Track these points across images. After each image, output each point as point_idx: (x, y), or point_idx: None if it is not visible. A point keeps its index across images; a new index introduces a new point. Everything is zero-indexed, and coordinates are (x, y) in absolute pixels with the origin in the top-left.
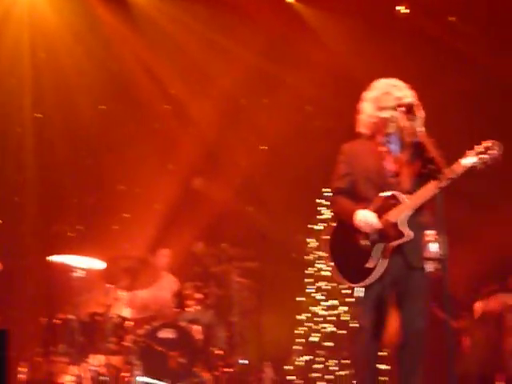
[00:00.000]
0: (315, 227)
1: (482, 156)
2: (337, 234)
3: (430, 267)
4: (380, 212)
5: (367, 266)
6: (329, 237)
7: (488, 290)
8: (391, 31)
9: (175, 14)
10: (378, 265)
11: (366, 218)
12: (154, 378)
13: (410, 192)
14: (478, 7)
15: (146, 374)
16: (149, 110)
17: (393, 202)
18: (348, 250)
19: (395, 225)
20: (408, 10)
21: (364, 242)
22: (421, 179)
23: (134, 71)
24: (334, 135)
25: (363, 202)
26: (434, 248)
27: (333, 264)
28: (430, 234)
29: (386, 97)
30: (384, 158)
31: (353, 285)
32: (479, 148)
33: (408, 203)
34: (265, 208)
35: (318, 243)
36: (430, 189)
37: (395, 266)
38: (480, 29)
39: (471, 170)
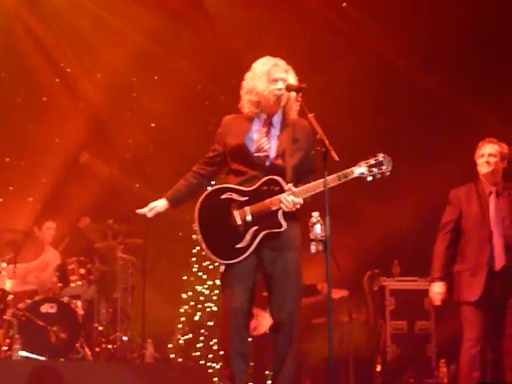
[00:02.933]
0: None
1: (373, 169)
2: (208, 208)
3: (313, 248)
4: (259, 194)
5: (238, 246)
6: (199, 206)
7: (371, 273)
8: (283, 14)
9: None
10: (248, 247)
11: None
12: (34, 353)
13: (292, 176)
14: None
15: (27, 348)
16: (37, 83)
17: (276, 189)
18: (218, 225)
19: (275, 213)
20: None
21: (238, 223)
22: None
23: (23, 43)
24: (220, 114)
25: (234, 174)
26: (317, 229)
27: (201, 237)
28: (314, 215)
29: (275, 68)
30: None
31: (219, 260)
32: (372, 161)
33: (295, 193)
34: (152, 185)
35: None
36: (318, 185)
37: (263, 249)
38: (372, 15)
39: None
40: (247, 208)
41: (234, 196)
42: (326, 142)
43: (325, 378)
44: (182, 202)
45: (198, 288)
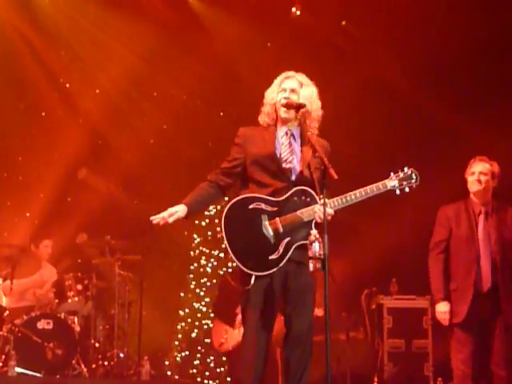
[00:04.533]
0: (202, 223)
1: (403, 182)
2: (236, 217)
3: (311, 266)
4: (289, 204)
5: (271, 257)
6: (225, 216)
7: (369, 291)
8: (283, 32)
9: (68, 1)
10: (281, 258)
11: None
12: (30, 369)
13: (318, 188)
14: (370, 12)
15: (22, 364)
16: (36, 98)
17: (307, 200)
18: (248, 235)
19: (307, 225)
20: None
21: (270, 234)
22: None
23: (22, 58)
24: (219, 130)
25: (256, 185)
26: (315, 247)
27: (229, 247)
28: (312, 233)
29: (288, 79)
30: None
31: (251, 272)
32: (401, 174)
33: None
34: (150, 201)
35: (202, 239)
36: (351, 197)
37: (289, 262)
38: (371, 33)
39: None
40: (278, 219)
41: (263, 206)
42: (325, 160)
43: None
44: (197, 211)
45: (196, 305)
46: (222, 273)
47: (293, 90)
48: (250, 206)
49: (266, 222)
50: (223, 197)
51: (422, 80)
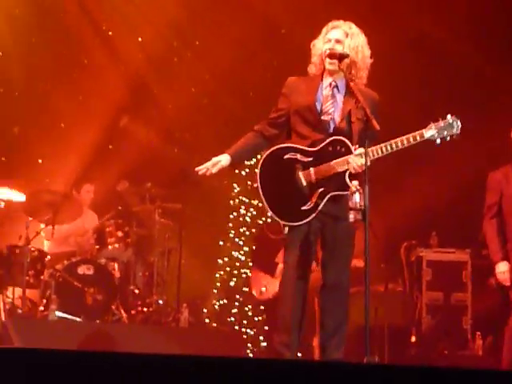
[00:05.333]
0: (242, 173)
1: (443, 132)
2: (271, 167)
3: (351, 217)
4: (324, 155)
5: (303, 208)
6: (261, 165)
7: (408, 243)
8: None
9: None
10: (313, 209)
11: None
12: (70, 314)
13: (357, 140)
14: None
15: (63, 309)
16: (79, 45)
17: (342, 150)
18: (282, 185)
19: (341, 175)
20: None
21: (304, 184)
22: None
23: (67, 4)
24: (261, 80)
25: (297, 136)
26: (356, 198)
27: (263, 196)
28: (353, 184)
29: (333, 30)
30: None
31: (283, 222)
32: (441, 123)
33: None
34: (191, 150)
35: (241, 188)
36: (387, 147)
37: (324, 214)
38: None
39: (428, 140)
40: (312, 169)
41: (298, 156)
42: (368, 110)
43: (360, 346)
44: (241, 161)
45: (235, 254)
46: (261, 222)
47: (338, 41)
48: (285, 157)
49: (300, 173)
50: (269, 147)
51: (467, 33)
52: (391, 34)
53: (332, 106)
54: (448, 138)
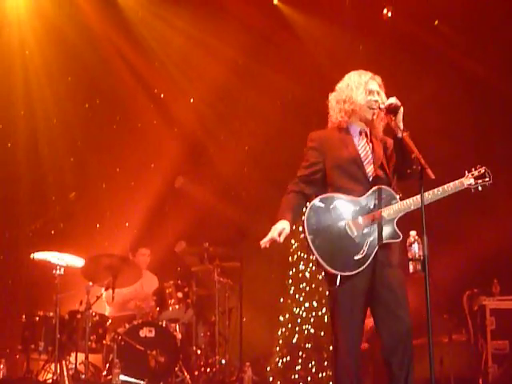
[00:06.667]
0: (300, 228)
1: (478, 181)
2: (318, 217)
3: (410, 268)
4: (369, 204)
5: (356, 258)
6: (307, 217)
7: (470, 293)
8: (374, 34)
9: (160, 13)
10: (366, 258)
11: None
12: (134, 377)
13: (391, 186)
14: (461, 11)
15: (126, 372)
16: (132, 109)
17: (388, 198)
18: (331, 236)
19: (390, 223)
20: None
21: (354, 234)
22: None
23: (117, 70)
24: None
25: (337, 191)
26: (415, 249)
27: (313, 248)
28: (411, 234)
29: (372, 81)
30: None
31: (337, 272)
32: (476, 173)
33: (405, 204)
34: (248, 208)
35: (299, 244)
36: (435, 194)
37: (376, 262)
38: (461, 32)
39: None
40: (361, 218)
41: (344, 206)
42: (422, 160)
43: None
44: (294, 223)
45: (295, 310)
46: (320, 277)
47: (378, 93)
48: (331, 206)
49: (350, 222)
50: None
51: None
52: (446, 79)
53: (369, 155)
54: (480, 188)
